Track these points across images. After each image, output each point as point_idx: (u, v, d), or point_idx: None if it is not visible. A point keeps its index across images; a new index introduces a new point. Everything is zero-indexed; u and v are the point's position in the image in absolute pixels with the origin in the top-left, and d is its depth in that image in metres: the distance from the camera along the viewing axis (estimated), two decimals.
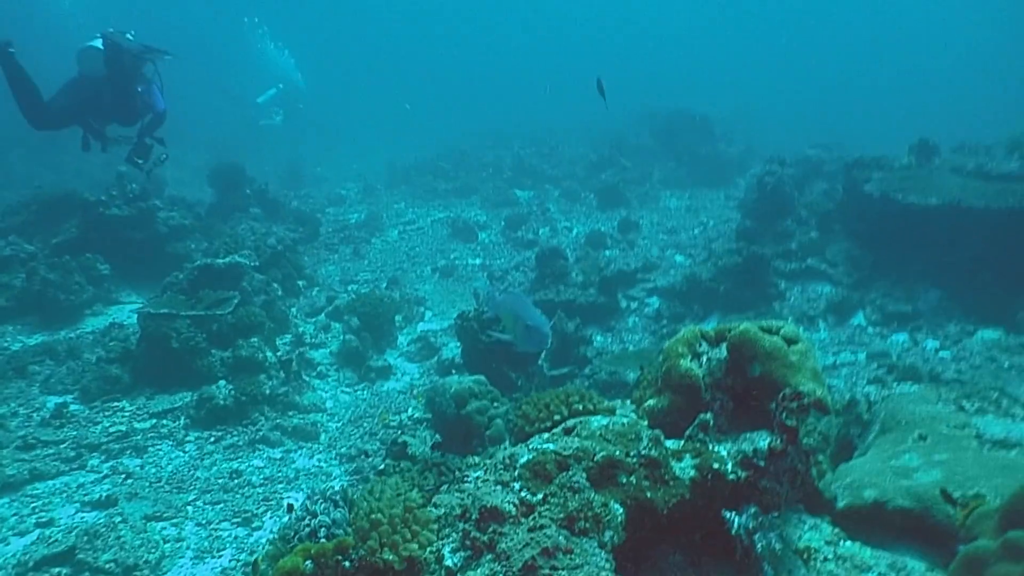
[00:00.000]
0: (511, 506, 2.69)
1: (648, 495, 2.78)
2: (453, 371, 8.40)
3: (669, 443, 3.09)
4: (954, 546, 3.19)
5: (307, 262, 11.93)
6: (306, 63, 24.69)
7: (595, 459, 2.86)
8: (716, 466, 2.90)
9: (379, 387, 8.61)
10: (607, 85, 7.80)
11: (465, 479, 3.07)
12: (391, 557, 2.56)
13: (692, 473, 2.90)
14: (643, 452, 2.89)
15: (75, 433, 7.23)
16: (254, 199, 13.80)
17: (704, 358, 3.43)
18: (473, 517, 2.68)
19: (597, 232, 12.68)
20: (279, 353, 8.80)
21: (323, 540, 2.82)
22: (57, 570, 5.35)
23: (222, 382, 8.00)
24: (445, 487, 3.20)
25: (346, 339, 9.06)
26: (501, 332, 3.91)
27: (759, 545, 2.77)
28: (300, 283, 11.02)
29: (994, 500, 3.19)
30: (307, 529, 2.93)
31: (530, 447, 3.03)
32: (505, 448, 3.29)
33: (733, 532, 2.80)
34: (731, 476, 2.88)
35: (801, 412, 2.98)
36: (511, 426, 3.68)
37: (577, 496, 2.66)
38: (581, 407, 3.42)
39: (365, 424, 7.77)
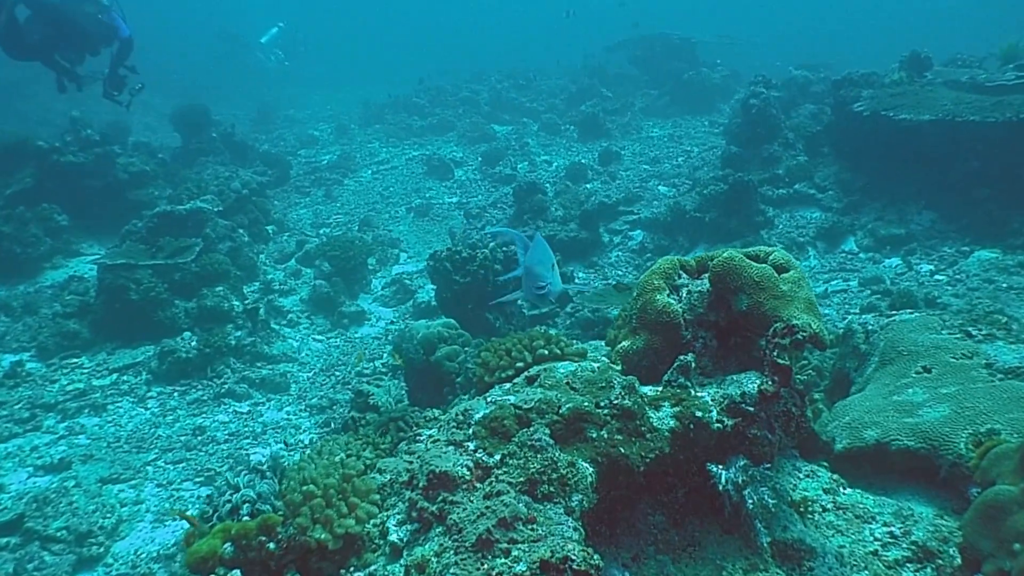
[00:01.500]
0: (464, 470, 2.33)
1: (622, 450, 2.42)
2: (430, 315, 8.03)
3: (645, 390, 2.73)
4: (966, 489, 2.87)
5: (277, 206, 11.44)
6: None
7: (560, 412, 2.49)
8: (699, 414, 2.54)
9: (352, 333, 8.24)
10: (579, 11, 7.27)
11: (417, 438, 2.71)
12: (324, 536, 2.21)
13: (672, 423, 2.55)
14: (615, 401, 2.53)
15: (30, 393, 6.86)
16: (221, 143, 13.19)
17: (684, 292, 3.04)
18: (420, 484, 2.32)
19: (577, 165, 12.19)
20: (247, 302, 8.40)
21: (246, 518, 2.47)
22: (5, 540, 5.03)
23: (187, 334, 7.61)
24: (403, 446, 2.84)
25: (316, 284, 8.65)
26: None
27: (749, 501, 2.43)
28: (269, 228, 10.55)
29: (1010, 436, 2.85)
30: (228, 506, 2.58)
31: (488, 400, 2.66)
32: (461, 401, 2.91)
33: (720, 488, 2.45)
34: (716, 425, 2.53)
35: (795, 348, 2.62)
36: (471, 376, 3.30)
37: (539, 456, 2.30)
38: (547, 352, 3.03)
39: (337, 373, 7.42)
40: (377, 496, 2.47)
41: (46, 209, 9.73)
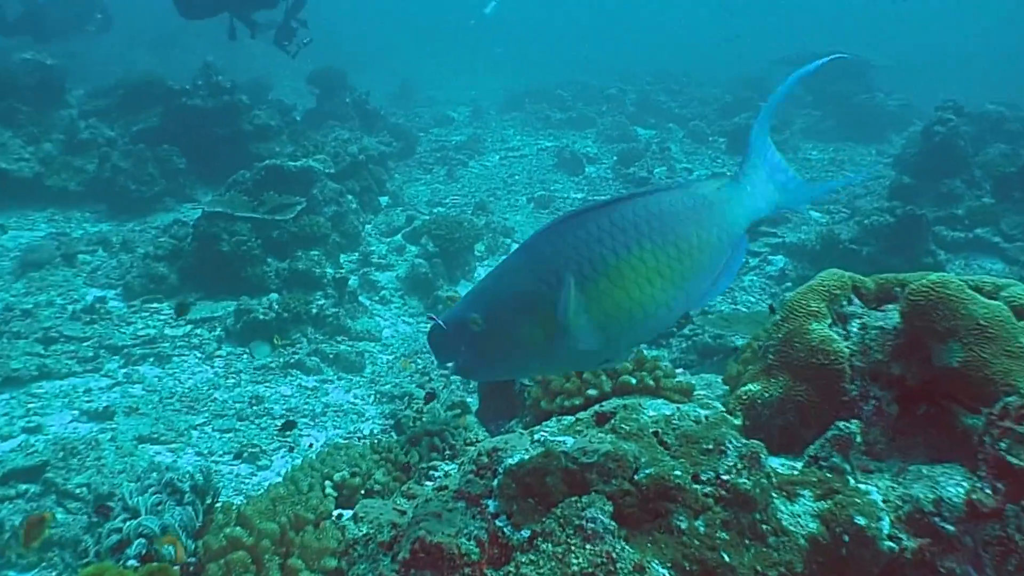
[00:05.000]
0: (472, 544, 1.49)
1: (726, 558, 1.51)
2: None
3: (775, 464, 1.80)
4: None
5: (396, 179, 10.93)
6: None
7: (636, 478, 1.61)
8: (860, 521, 1.59)
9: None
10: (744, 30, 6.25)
11: (429, 474, 1.89)
12: None
13: (814, 527, 1.60)
14: (725, 477, 1.62)
15: (102, 331, 6.51)
16: (352, 109, 12.87)
17: (855, 324, 2.04)
18: (401, 556, 1.49)
19: (720, 176, 11.07)
20: (341, 271, 7.85)
21: (132, 562, 1.71)
22: (24, 487, 4.58)
23: (274, 295, 7.11)
24: (411, 483, 2.02)
25: (415, 263, 7.99)
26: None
27: None
28: (382, 199, 10.03)
29: None
30: (113, 538, 1.82)
31: (534, 438, 1.81)
32: (515, 432, 2.06)
33: None
34: (887, 544, 1.57)
35: None
36: (526, 397, 2.43)
37: (590, 547, 1.43)
38: (635, 380, 2.13)
39: (420, 361, 6.70)
40: (334, 562, 1.66)
41: (166, 150, 9.56)
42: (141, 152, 9.45)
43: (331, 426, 5.62)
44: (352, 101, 12.85)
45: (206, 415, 5.55)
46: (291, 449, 5.24)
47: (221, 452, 5.15)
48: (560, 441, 1.76)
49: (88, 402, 5.55)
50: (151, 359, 6.23)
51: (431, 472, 1.95)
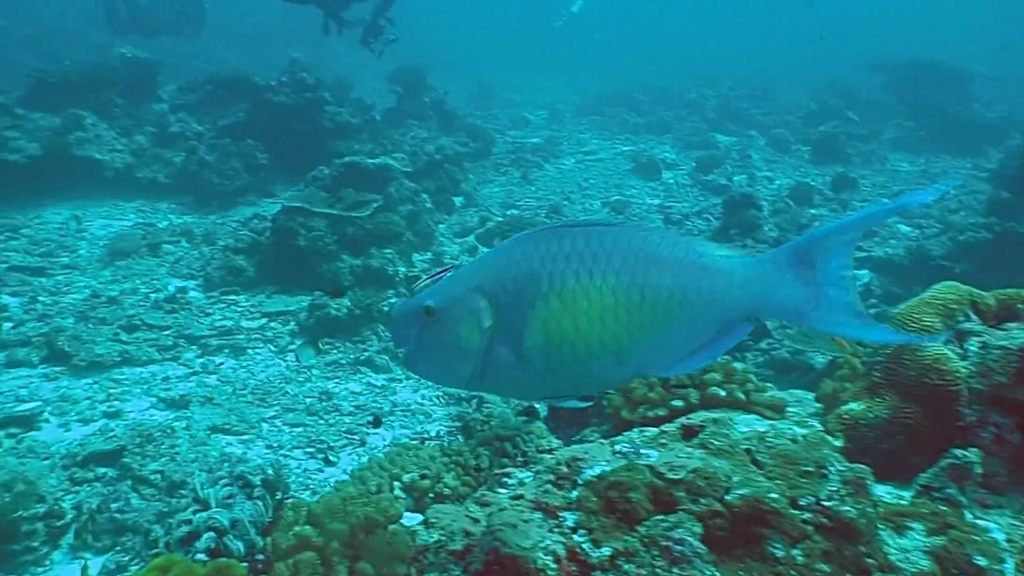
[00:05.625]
0: (549, 559, 1.40)
1: None
2: None
3: (881, 491, 1.65)
4: None
5: (471, 180, 10.92)
6: None
7: (728, 499, 1.49)
8: (980, 561, 1.43)
9: None
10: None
11: (503, 481, 1.80)
12: None
13: (925, 564, 1.46)
14: (827, 503, 1.48)
15: (183, 321, 6.65)
16: (431, 108, 12.95)
17: (973, 343, 1.88)
18: (474, 567, 1.41)
19: (804, 186, 10.72)
20: (414, 270, 7.85)
21: (201, 556, 1.67)
22: (103, 471, 4.68)
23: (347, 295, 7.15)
24: (483, 489, 1.93)
25: None
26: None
27: None
28: (456, 200, 10.03)
29: None
30: (183, 529, 1.79)
31: (615, 449, 1.70)
32: (582, 441, 1.95)
33: None
34: None
35: None
36: (607, 406, 2.32)
37: (677, 570, 1.31)
38: (723, 393, 1.99)
39: None
40: (403, 569, 1.58)
41: (250, 145, 9.77)
42: (226, 146, 9.69)
43: (398, 425, 5.59)
44: (431, 101, 12.93)
45: (277, 408, 5.60)
46: (361, 444, 5.24)
47: (291, 446, 5.18)
48: (644, 454, 1.65)
49: (166, 390, 5.66)
50: (227, 350, 6.34)
51: (504, 479, 1.86)
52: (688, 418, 1.86)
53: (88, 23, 18.37)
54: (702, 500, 1.48)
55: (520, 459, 2.40)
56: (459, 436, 5.31)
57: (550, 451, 2.28)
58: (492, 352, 1.53)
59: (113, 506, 4.36)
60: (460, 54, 22.91)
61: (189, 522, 1.81)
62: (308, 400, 5.73)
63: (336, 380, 6.08)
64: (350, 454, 5.16)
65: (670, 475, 1.53)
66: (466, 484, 2.31)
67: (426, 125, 12.50)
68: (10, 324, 6.35)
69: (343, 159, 8.75)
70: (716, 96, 17.27)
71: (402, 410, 5.77)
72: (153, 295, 7.08)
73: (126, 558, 4.11)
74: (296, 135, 10.24)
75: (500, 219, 9.45)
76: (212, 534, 1.73)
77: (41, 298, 6.90)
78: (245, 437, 5.21)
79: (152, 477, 4.60)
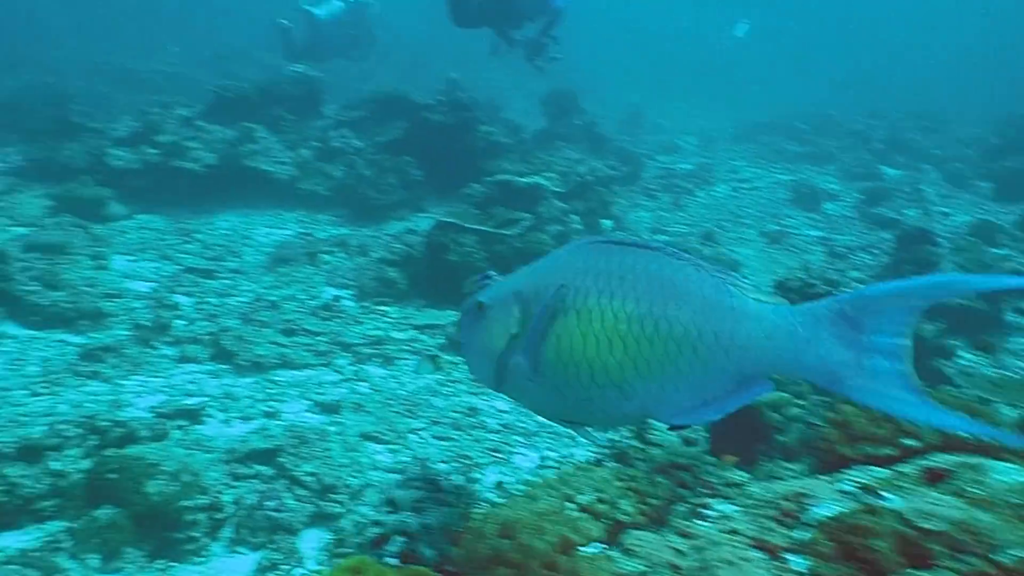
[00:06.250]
0: None
1: None
2: None
3: None
4: None
5: (620, 203, 10.75)
6: None
7: (996, 557, 1.26)
8: None
9: None
10: None
11: (702, 512, 1.62)
12: None
13: None
14: None
15: (337, 329, 6.83)
16: (582, 131, 12.90)
17: None
18: None
19: (987, 224, 9.88)
20: None
21: (391, 560, 1.57)
22: (261, 468, 4.80)
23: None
24: (679, 518, 1.77)
25: None
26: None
27: None
28: (606, 222, 9.89)
29: None
30: (375, 531, 1.70)
31: (837, 487, 1.49)
32: (785, 474, 1.75)
33: None
34: None
35: None
36: (812, 438, 2.10)
37: None
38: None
39: None
40: None
41: (405, 162, 10.01)
42: (383, 162, 9.97)
43: (544, 447, 5.47)
44: (582, 124, 12.88)
45: (424, 420, 5.60)
46: (506, 462, 5.16)
47: (437, 459, 5.15)
48: (884, 496, 1.44)
49: (320, 394, 5.79)
50: (377, 359, 6.44)
51: (701, 510, 1.69)
52: (926, 460, 1.62)
53: (259, 45, 19.63)
54: (965, 557, 1.26)
55: (703, 490, 2.21)
56: (607, 462, 5.14)
57: (739, 488, 2.08)
58: (512, 359, 1.54)
59: (269, 504, 4.46)
60: (613, 77, 22.86)
61: (380, 524, 1.74)
62: (454, 415, 5.71)
63: (483, 396, 6.04)
64: (496, 472, 5.08)
65: (923, 524, 1.31)
66: (643, 514, 2.15)
67: (576, 147, 12.46)
68: (183, 322, 6.70)
69: (495, 177, 8.81)
70: (884, 127, 16.34)
71: (548, 432, 5.65)
72: (310, 302, 7.30)
73: (279, 556, 4.18)
74: (449, 153, 10.42)
75: None
76: (403, 538, 1.66)
77: (209, 299, 7.27)
78: (394, 446, 5.23)
79: (306, 479, 4.68)
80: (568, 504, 2.10)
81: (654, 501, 2.25)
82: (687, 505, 2.18)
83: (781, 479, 1.95)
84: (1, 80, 15.04)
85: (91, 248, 7.65)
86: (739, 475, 2.31)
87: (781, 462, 2.34)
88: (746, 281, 1.42)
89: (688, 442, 3.29)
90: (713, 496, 2.00)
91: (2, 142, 10.83)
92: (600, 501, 2.12)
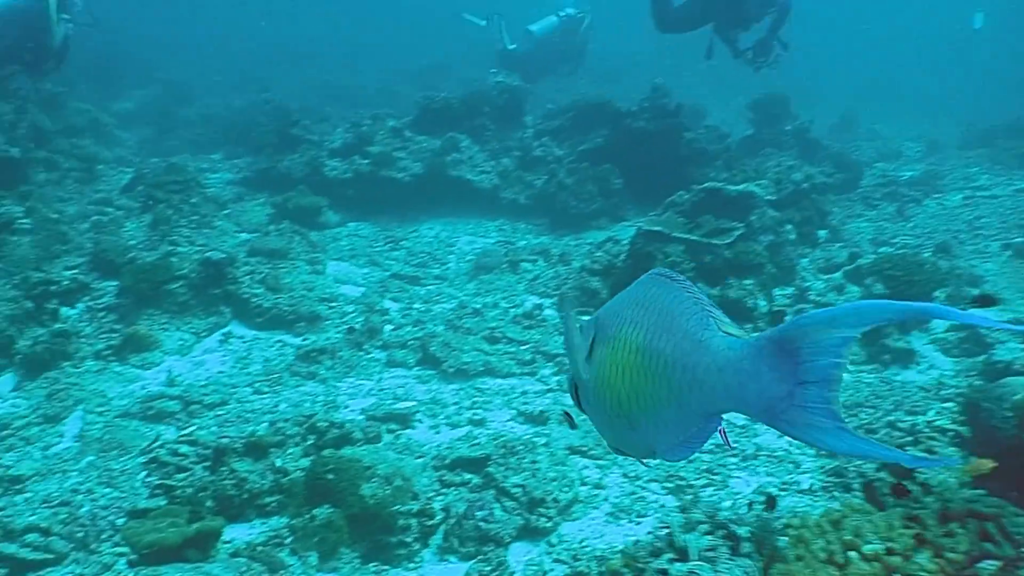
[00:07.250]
0: None
1: None
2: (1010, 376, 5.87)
3: None
4: None
5: (836, 213, 9.97)
6: None
7: None
8: None
9: (891, 374, 6.50)
10: None
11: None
12: None
13: None
14: None
15: (539, 338, 6.74)
16: (792, 137, 12.14)
17: None
18: None
19: None
20: (776, 305, 7.24)
21: None
22: (469, 476, 4.76)
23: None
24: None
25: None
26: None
27: None
28: (821, 233, 9.18)
29: None
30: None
31: None
32: None
33: None
34: None
35: None
36: None
37: None
38: None
39: (863, 415, 5.82)
40: None
41: (606, 170, 9.83)
42: (583, 170, 9.84)
43: (763, 472, 5.05)
44: (793, 129, 12.12)
45: None
46: (723, 487, 4.80)
47: (648, 478, 4.88)
48: None
49: (524, 404, 5.70)
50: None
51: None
52: None
53: (458, 60, 20.29)
54: None
55: (1008, 547, 1.82)
56: (836, 492, 4.67)
57: None
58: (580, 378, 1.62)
59: (478, 514, 4.39)
60: (827, 81, 21.53)
61: (665, 572, 1.53)
62: None
63: None
64: (711, 495, 4.73)
65: None
66: (943, 572, 1.80)
67: (785, 153, 11.74)
68: (391, 327, 6.87)
69: (703, 185, 8.41)
70: None
71: (767, 455, 5.21)
72: (512, 310, 7.26)
73: (488, 568, 4.08)
74: (651, 160, 10.11)
75: (872, 256, 8.44)
76: None
77: (416, 305, 7.42)
78: (603, 462, 5.02)
79: (514, 491, 4.57)
80: (850, 552, 1.79)
81: (953, 555, 1.89)
82: (994, 563, 1.80)
83: None
84: (230, 99, 16.46)
85: (308, 254, 8.06)
86: None
87: None
88: (719, 311, 1.34)
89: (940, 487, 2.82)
90: None
91: (234, 155, 11.78)
92: (889, 553, 1.79)
